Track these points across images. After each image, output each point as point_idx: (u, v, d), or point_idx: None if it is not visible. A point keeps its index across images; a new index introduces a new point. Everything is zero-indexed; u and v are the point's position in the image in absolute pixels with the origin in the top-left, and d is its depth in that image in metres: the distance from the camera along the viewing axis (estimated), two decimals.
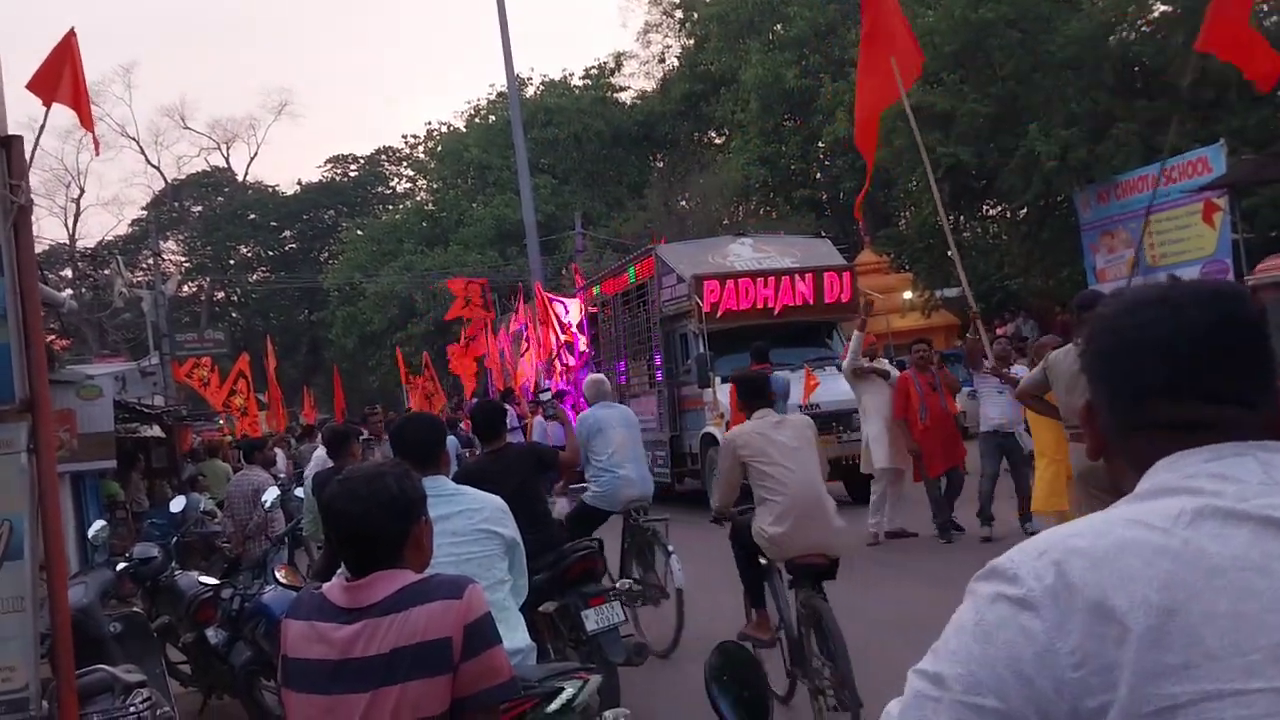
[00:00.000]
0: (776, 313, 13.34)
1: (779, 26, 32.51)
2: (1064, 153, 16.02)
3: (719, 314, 13.13)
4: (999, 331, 21.28)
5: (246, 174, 56.21)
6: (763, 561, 5.37)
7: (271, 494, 8.13)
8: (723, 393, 11.85)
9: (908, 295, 23.14)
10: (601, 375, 9.23)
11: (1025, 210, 19.30)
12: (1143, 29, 17.96)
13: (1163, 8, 17.43)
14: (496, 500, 3.71)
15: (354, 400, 34.87)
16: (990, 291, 21.77)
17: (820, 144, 29.87)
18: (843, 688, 4.70)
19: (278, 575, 6.02)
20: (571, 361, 18.02)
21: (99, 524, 7.12)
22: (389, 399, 36.55)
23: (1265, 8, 16.51)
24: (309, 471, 8.35)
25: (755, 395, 5.44)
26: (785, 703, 5.40)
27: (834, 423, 12.03)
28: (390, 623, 2.24)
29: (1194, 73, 15.78)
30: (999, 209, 21.53)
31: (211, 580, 6.66)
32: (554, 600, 5.34)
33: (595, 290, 17.45)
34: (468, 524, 3.57)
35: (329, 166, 56.33)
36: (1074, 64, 16.70)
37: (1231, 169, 13.97)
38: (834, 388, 11.77)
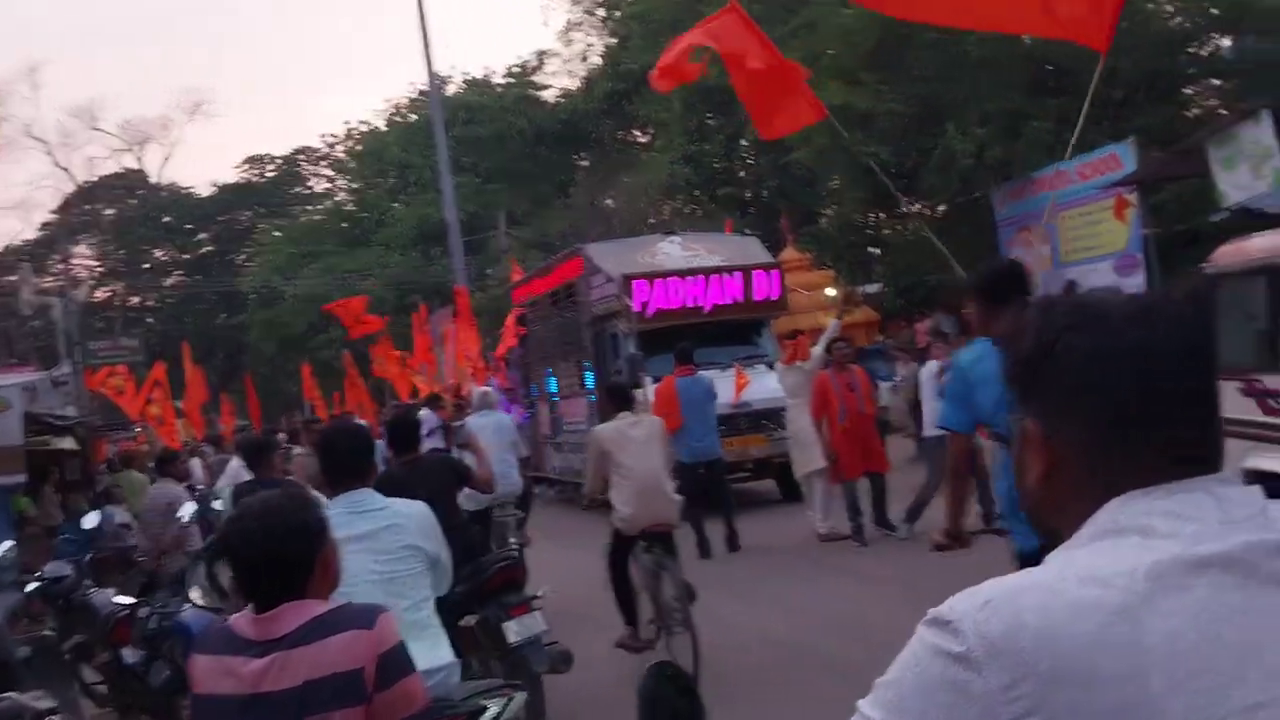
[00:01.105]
0: (707, 311, 13.34)
1: None
2: (980, 151, 16.30)
3: (649, 313, 13.09)
4: (918, 326, 21.64)
5: (160, 176, 54.89)
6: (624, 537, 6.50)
7: (188, 509, 7.92)
8: (654, 393, 11.80)
9: (830, 292, 23.40)
10: (488, 388, 10.49)
11: (944, 208, 19.62)
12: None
13: None
14: (422, 511, 3.65)
15: (275, 406, 34.28)
16: (911, 287, 22.12)
17: (743, 142, 30.05)
18: (685, 615, 6.17)
19: (193, 596, 5.87)
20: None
21: (7, 544, 6.90)
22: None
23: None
24: (222, 484, 8.18)
25: (619, 400, 6.68)
26: (652, 648, 6.43)
27: (764, 420, 12.11)
28: (301, 655, 2.19)
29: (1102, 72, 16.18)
30: (918, 205, 21.86)
31: (127, 599, 6.48)
32: (474, 613, 5.28)
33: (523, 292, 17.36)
34: (394, 540, 3.51)
35: (246, 167, 55.20)
36: (989, 64, 16.99)
37: (1141, 166, 14.33)
38: (764, 386, 11.86)
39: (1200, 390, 1.07)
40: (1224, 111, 14.97)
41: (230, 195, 53.86)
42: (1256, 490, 1.06)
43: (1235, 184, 11.68)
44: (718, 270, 13.55)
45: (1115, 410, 1.06)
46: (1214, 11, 15.84)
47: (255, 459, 6.74)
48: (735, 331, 13.53)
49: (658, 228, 21.51)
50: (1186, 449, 1.05)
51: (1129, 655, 0.94)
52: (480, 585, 5.33)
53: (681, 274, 13.41)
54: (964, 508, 4.26)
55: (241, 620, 2.29)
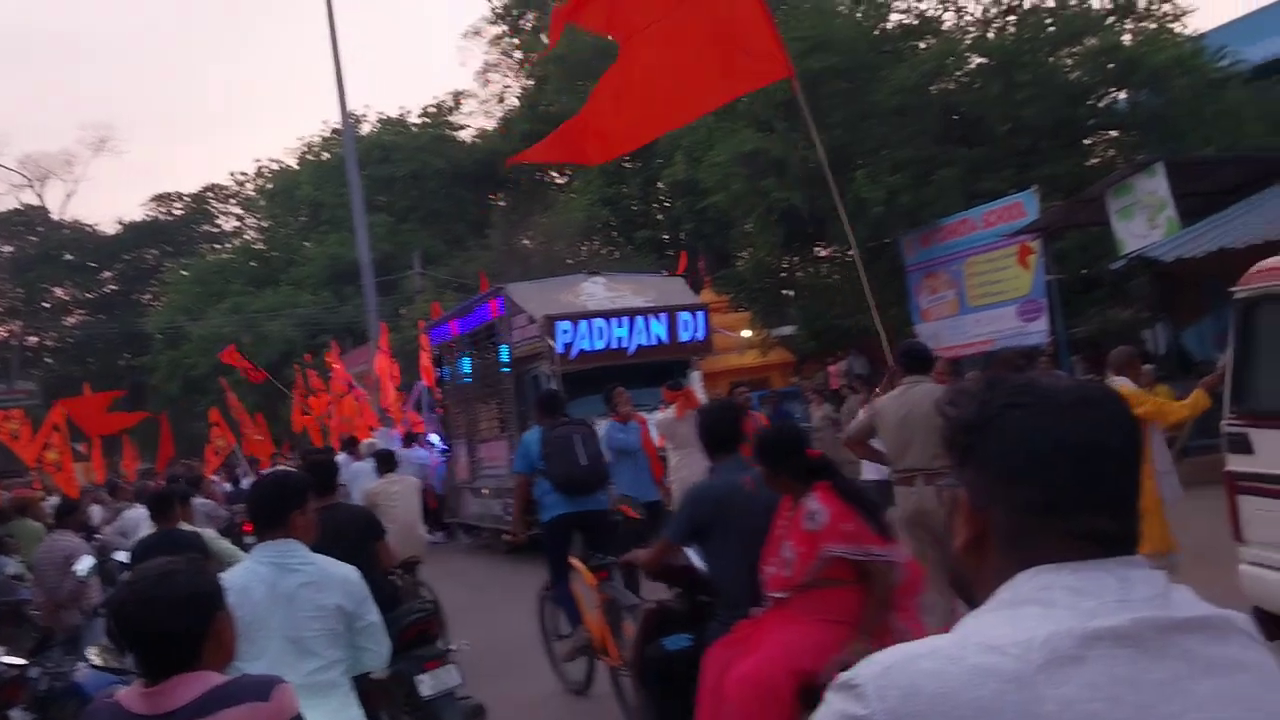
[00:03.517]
0: (631, 354, 13.10)
1: None
2: (890, 198, 16.68)
3: (572, 355, 12.85)
4: (830, 369, 21.97)
5: (63, 212, 53.39)
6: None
7: (85, 562, 7.58)
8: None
9: (746, 333, 23.63)
10: (374, 438, 10.69)
11: (854, 252, 20.01)
12: (961, 79, 18.94)
13: (979, 60, 18.41)
14: (347, 575, 3.52)
15: (180, 450, 33.23)
16: (824, 330, 22.47)
17: (660, 185, 30.35)
18: None
19: (90, 655, 5.61)
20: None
21: None
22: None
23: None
24: (121, 531, 7.86)
25: (386, 465, 7.79)
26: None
27: None
28: None
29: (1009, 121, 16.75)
30: (831, 250, 22.25)
31: (17, 660, 6.16)
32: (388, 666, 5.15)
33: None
34: (311, 598, 3.39)
35: (153, 205, 53.96)
36: (899, 112, 17.44)
37: (1044, 214, 14.80)
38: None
39: (1123, 483, 1.14)
40: (1121, 163, 15.55)
41: (136, 233, 52.55)
42: (1159, 574, 1.13)
43: (1132, 233, 12.14)
44: (643, 311, 13.30)
45: (1041, 494, 1.12)
46: (1110, 66, 16.50)
47: (159, 511, 6.52)
48: (660, 373, 13.41)
49: (575, 269, 21.46)
50: (1102, 533, 1.12)
51: None
52: (394, 638, 5.20)
53: (606, 315, 13.14)
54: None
55: (131, 695, 2.20)
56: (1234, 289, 5.74)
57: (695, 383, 10.60)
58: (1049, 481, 1.11)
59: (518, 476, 7.92)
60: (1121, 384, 6.24)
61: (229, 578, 2.97)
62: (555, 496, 7.39)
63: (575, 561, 6.81)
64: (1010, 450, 1.13)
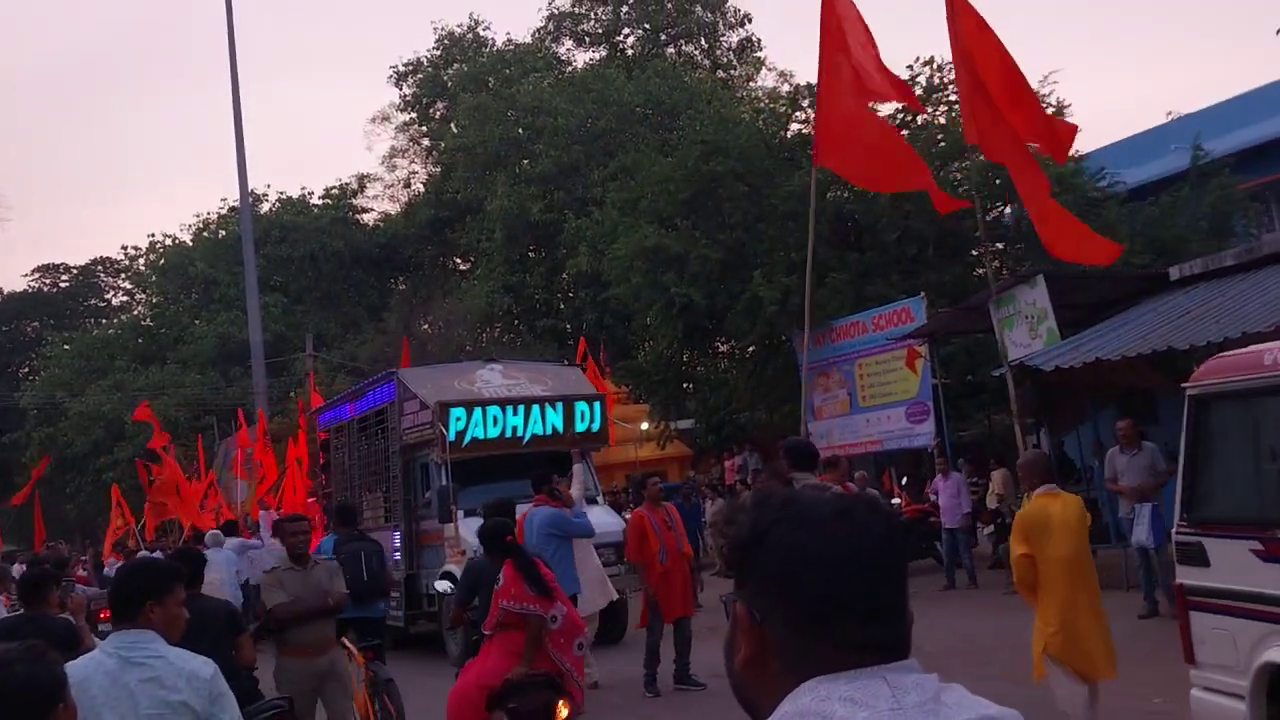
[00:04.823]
0: (525, 442, 12.81)
1: (526, 162, 33.38)
2: (785, 298, 17.07)
3: (464, 443, 12.54)
4: (727, 463, 22.15)
5: None
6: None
7: None
8: (465, 527, 11.28)
9: (644, 426, 23.73)
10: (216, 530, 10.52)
11: (751, 349, 20.38)
12: (854, 188, 19.62)
13: None
14: (198, 668, 3.35)
15: (52, 531, 31.66)
16: (720, 424, 22.70)
17: (564, 275, 30.58)
18: None
19: None
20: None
21: None
22: (86, 529, 33.54)
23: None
24: None
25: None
26: None
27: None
28: None
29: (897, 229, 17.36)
30: (729, 345, 22.62)
31: None
32: None
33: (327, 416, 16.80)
34: (157, 695, 3.22)
35: (37, 275, 52.21)
36: (794, 216, 17.95)
37: (930, 320, 15.28)
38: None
39: (888, 590, 1.18)
40: (1005, 274, 16.18)
41: (17, 303, 50.73)
42: (932, 678, 1.17)
43: (1015, 341, 12.59)
44: (539, 400, 13.07)
45: (812, 606, 1.16)
46: (997, 181, 17.31)
47: (30, 595, 6.13)
48: (554, 463, 13.19)
49: (475, 355, 21.32)
50: (872, 641, 1.16)
51: None
52: None
53: (501, 403, 12.87)
54: None
55: None
56: (1186, 385, 5.35)
57: (577, 477, 10.47)
58: (813, 594, 1.16)
59: None
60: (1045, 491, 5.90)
61: (71, 668, 2.81)
62: None
63: (347, 641, 7.61)
64: (777, 564, 1.18)
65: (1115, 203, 17.45)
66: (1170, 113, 23.48)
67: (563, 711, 5.70)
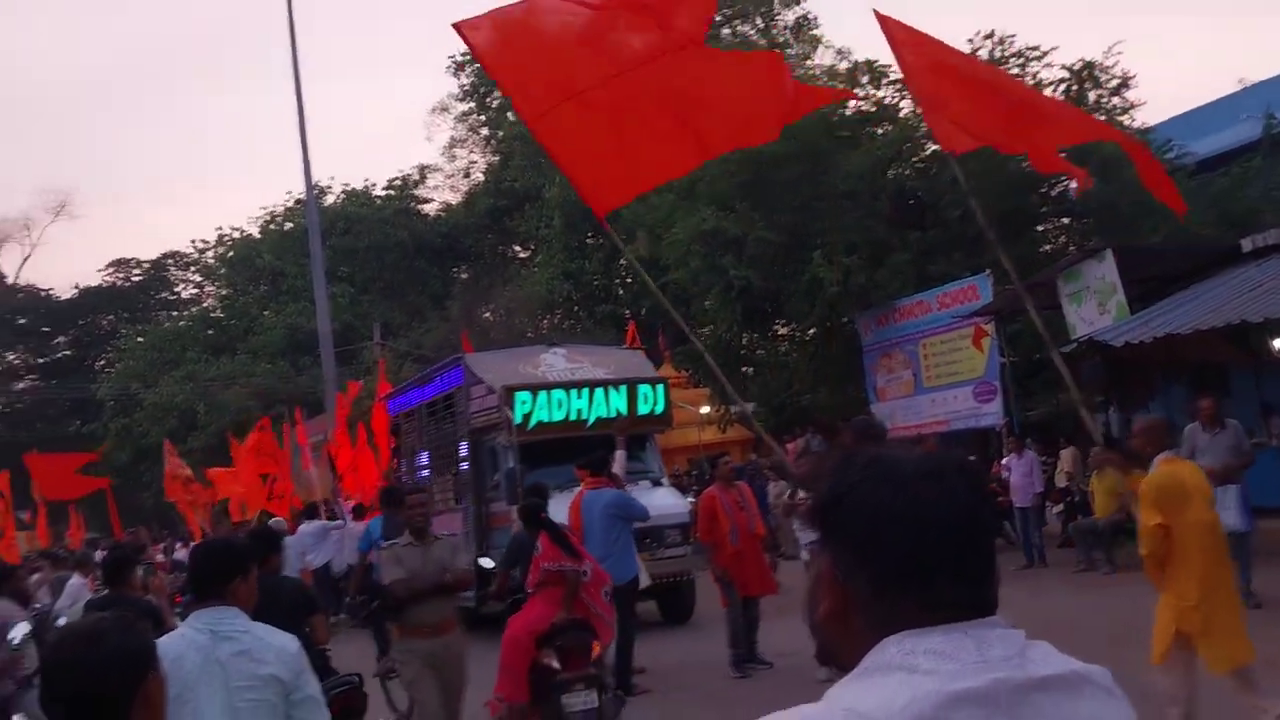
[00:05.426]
0: (589, 425, 12.85)
1: None
2: (845, 279, 16.96)
3: (530, 426, 12.66)
4: (789, 445, 22.06)
5: (18, 276, 52.79)
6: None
7: (20, 630, 7.37)
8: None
9: (705, 410, 23.73)
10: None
11: (812, 331, 20.28)
12: (916, 165, 19.41)
13: (934, 146, 18.92)
14: (285, 643, 3.46)
15: (130, 519, 32.54)
16: (781, 407, 22.62)
17: (622, 261, 30.63)
18: None
19: None
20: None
21: None
22: (163, 518, 34.42)
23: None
24: (63, 603, 7.67)
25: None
26: None
27: (647, 539, 11.34)
28: None
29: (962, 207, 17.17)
30: (789, 328, 22.53)
31: None
32: None
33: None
34: (247, 668, 3.32)
35: (110, 270, 53.49)
36: (853, 196, 17.83)
37: (997, 297, 15.09)
38: (654, 503, 11.27)
39: (974, 551, 1.19)
40: (1072, 249, 15.93)
41: (92, 298, 51.96)
42: (1018, 633, 1.18)
43: (1082, 317, 12.41)
44: (602, 383, 13.13)
45: (896, 565, 1.17)
46: (1061, 155, 17.03)
47: (113, 576, 6.39)
48: (607, 447, 13.23)
49: (536, 342, 21.49)
50: (959, 600, 1.17)
51: None
52: None
53: (565, 386, 12.97)
54: None
55: None
56: None
57: (618, 461, 10.38)
58: (896, 554, 1.16)
59: (359, 554, 8.67)
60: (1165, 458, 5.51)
61: (163, 644, 2.92)
62: None
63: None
64: (861, 523, 1.18)
65: (1184, 175, 17.06)
66: (1241, 80, 22.86)
67: (596, 648, 6.97)
